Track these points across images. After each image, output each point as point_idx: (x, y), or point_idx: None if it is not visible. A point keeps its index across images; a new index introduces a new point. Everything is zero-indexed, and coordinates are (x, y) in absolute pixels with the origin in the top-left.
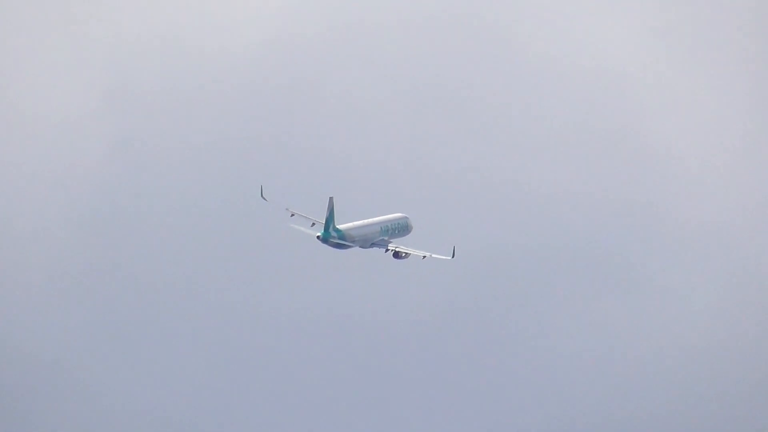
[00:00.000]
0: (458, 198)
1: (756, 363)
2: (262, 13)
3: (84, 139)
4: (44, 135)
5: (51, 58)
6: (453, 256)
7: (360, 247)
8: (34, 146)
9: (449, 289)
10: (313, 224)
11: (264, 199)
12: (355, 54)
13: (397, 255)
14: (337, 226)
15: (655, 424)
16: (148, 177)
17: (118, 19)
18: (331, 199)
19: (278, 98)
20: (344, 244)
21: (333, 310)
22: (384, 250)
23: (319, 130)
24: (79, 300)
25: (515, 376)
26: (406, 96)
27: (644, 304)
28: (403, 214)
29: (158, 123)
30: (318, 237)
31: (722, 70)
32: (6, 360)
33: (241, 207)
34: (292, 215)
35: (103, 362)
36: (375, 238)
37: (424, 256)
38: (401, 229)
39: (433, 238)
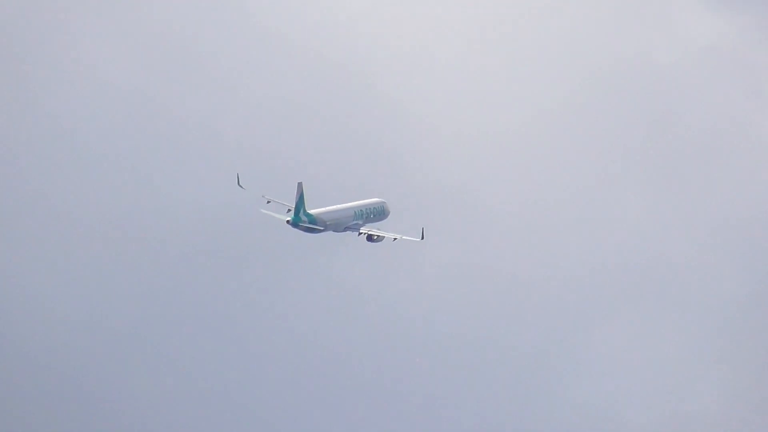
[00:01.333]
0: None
1: None
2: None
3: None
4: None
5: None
6: (422, 238)
7: (333, 230)
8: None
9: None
10: (289, 210)
11: (241, 186)
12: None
13: (370, 238)
14: (309, 211)
15: None
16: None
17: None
18: (299, 184)
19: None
20: (315, 228)
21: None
22: (357, 233)
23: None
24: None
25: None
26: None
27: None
28: (381, 199)
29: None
30: (288, 222)
31: None
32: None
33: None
34: (268, 202)
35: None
36: (348, 222)
37: (395, 239)
38: (377, 213)
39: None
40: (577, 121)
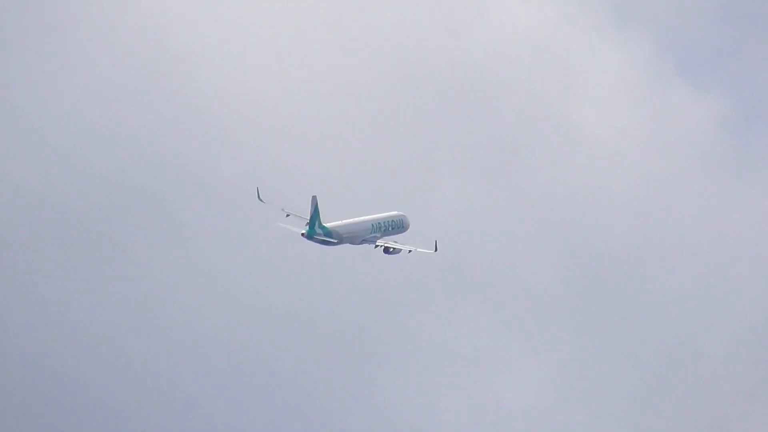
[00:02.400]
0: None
1: None
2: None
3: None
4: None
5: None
6: (435, 250)
7: (350, 243)
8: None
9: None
10: (308, 223)
11: (261, 200)
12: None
13: (386, 250)
14: (324, 224)
15: None
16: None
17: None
18: (314, 197)
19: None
20: (329, 241)
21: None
22: (373, 246)
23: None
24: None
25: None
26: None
27: None
28: (400, 213)
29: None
30: (303, 234)
31: None
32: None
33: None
34: (288, 215)
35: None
36: (366, 235)
37: (410, 251)
38: (396, 226)
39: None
40: (393, 107)
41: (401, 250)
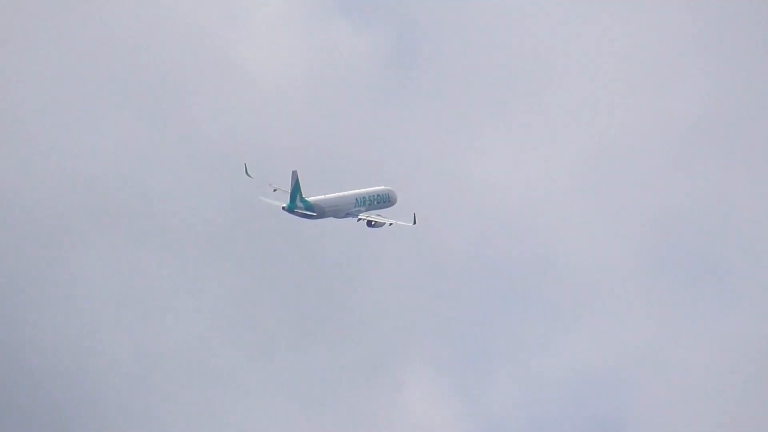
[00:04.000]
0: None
1: None
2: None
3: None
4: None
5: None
6: (414, 223)
7: (334, 216)
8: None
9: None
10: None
11: (249, 176)
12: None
13: (369, 223)
14: (307, 198)
15: None
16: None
17: None
18: (294, 172)
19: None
20: (310, 215)
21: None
22: (356, 219)
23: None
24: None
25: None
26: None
27: None
28: (387, 187)
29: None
30: (283, 208)
31: None
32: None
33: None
34: (275, 190)
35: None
36: (349, 209)
37: (391, 224)
38: (382, 200)
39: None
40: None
41: (384, 223)
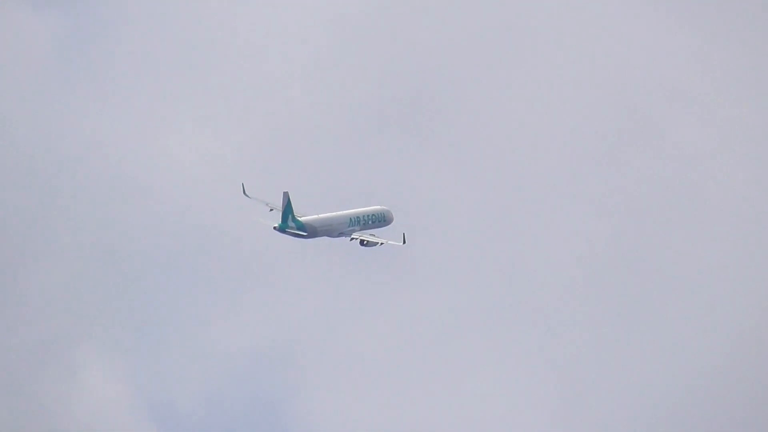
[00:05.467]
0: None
1: None
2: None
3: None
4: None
5: None
6: (404, 243)
7: (327, 236)
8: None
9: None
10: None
11: (247, 195)
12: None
13: (362, 243)
14: (299, 218)
15: None
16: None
17: None
18: (285, 193)
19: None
20: (301, 234)
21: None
22: (349, 239)
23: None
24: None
25: None
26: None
27: None
28: (383, 207)
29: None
30: (275, 228)
31: None
32: None
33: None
34: (271, 210)
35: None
36: (343, 229)
37: (382, 243)
38: (377, 220)
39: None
40: None
41: (377, 243)
